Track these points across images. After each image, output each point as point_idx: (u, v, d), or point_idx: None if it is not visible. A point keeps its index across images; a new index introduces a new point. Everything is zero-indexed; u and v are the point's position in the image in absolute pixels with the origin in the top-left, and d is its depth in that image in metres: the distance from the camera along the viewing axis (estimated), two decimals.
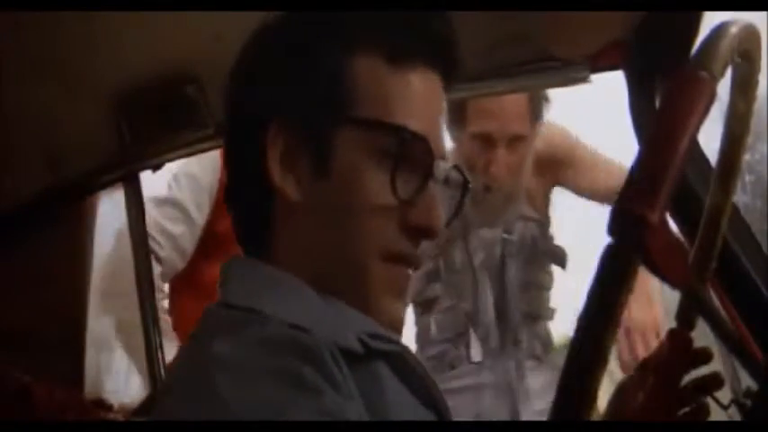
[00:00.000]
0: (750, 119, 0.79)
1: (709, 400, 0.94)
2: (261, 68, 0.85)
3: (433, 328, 1.96)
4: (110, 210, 1.60)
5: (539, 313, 2.03)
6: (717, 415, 0.94)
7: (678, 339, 0.92)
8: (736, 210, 1.06)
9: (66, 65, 1.26)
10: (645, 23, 1.18)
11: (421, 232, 0.83)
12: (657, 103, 1.20)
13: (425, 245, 0.87)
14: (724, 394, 0.94)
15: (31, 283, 1.51)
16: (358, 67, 0.82)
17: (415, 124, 0.81)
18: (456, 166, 0.87)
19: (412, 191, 0.81)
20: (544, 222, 2.04)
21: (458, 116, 1.87)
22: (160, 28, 1.18)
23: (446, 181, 0.86)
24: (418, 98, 0.82)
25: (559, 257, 2.04)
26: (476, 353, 1.93)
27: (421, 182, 0.82)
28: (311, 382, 0.69)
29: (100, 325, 1.69)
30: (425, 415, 0.80)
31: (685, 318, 0.91)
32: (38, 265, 1.51)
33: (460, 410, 1.87)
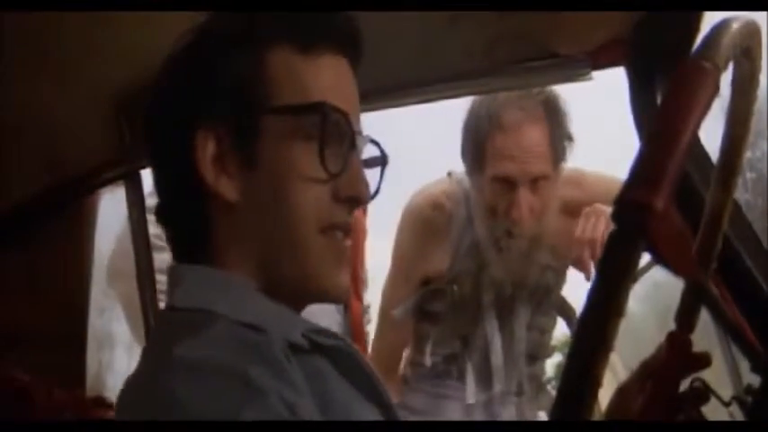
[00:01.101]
0: (751, 118, 0.79)
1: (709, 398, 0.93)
2: (182, 80, 0.88)
3: (430, 341, 1.94)
4: (111, 208, 1.60)
5: (537, 355, 1.99)
6: (718, 412, 0.93)
7: (677, 342, 0.91)
8: (737, 207, 1.06)
9: (66, 65, 1.26)
10: (645, 21, 1.18)
11: (352, 202, 0.88)
12: (658, 100, 1.19)
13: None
14: (725, 391, 0.93)
15: (31, 283, 1.51)
16: (273, 61, 0.86)
17: (333, 101, 0.86)
18: (373, 140, 0.91)
19: (340, 163, 0.85)
20: (562, 271, 1.95)
21: (476, 160, 1.78)
22: (161, 28, 1.18)
23: (367, 163, 0.91)
24: (332, 80, 0.88)
25: (567, 314, 1.98)
26: (470, 394, 1.90)
27: (346, 154, 0.86)
28: (257, 383, 0.71)
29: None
30: (369, 409, 0.83)
31: (684, 320, 0.91)
32: (38, 265, 1.52)
33: (436, 414, 1.90)
